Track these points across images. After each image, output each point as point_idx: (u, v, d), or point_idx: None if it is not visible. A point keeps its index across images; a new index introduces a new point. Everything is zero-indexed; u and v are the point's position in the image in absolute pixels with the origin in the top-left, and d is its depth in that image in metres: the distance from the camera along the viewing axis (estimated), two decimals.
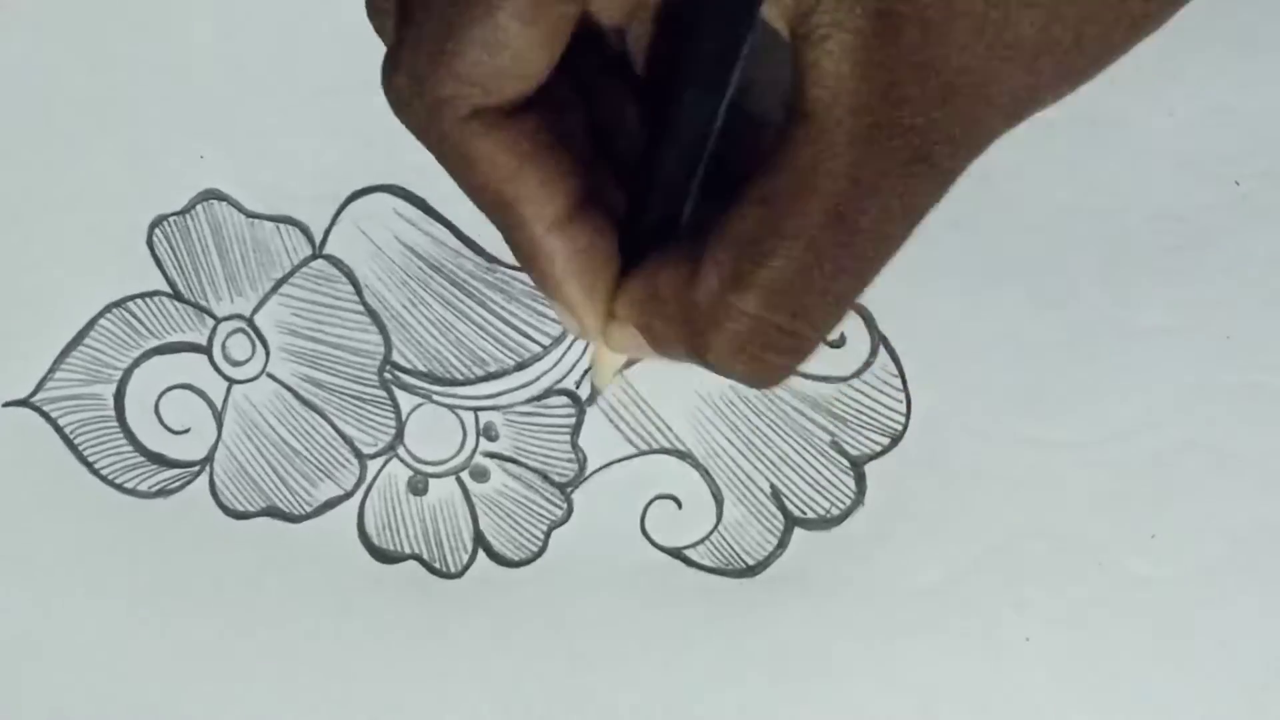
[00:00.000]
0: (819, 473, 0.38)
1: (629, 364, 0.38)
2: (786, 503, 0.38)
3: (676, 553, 0.39)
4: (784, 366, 0.27)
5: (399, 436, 0.39)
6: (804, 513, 0.38)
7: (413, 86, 0.26)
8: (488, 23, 0.25)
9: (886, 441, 0.38)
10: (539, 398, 0.39)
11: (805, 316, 0.26)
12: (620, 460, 0.39)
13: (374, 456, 0.39)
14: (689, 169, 0.27)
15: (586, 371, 0.38)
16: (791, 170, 0.24)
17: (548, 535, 0.39)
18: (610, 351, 0.30)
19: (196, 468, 0.39)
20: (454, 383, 0.39)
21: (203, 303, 0.39)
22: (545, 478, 0.39)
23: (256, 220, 0.39)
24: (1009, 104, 0.25)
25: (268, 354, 0.39)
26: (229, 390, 0.39)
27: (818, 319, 0.26)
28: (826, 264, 0.25)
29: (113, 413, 0.39)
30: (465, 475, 0.39)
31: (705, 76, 0.26)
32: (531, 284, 0.38)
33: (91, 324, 0.39)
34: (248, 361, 0.39)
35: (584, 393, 0.38)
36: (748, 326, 0.26)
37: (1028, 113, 0.25)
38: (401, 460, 0.39)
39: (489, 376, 0.39)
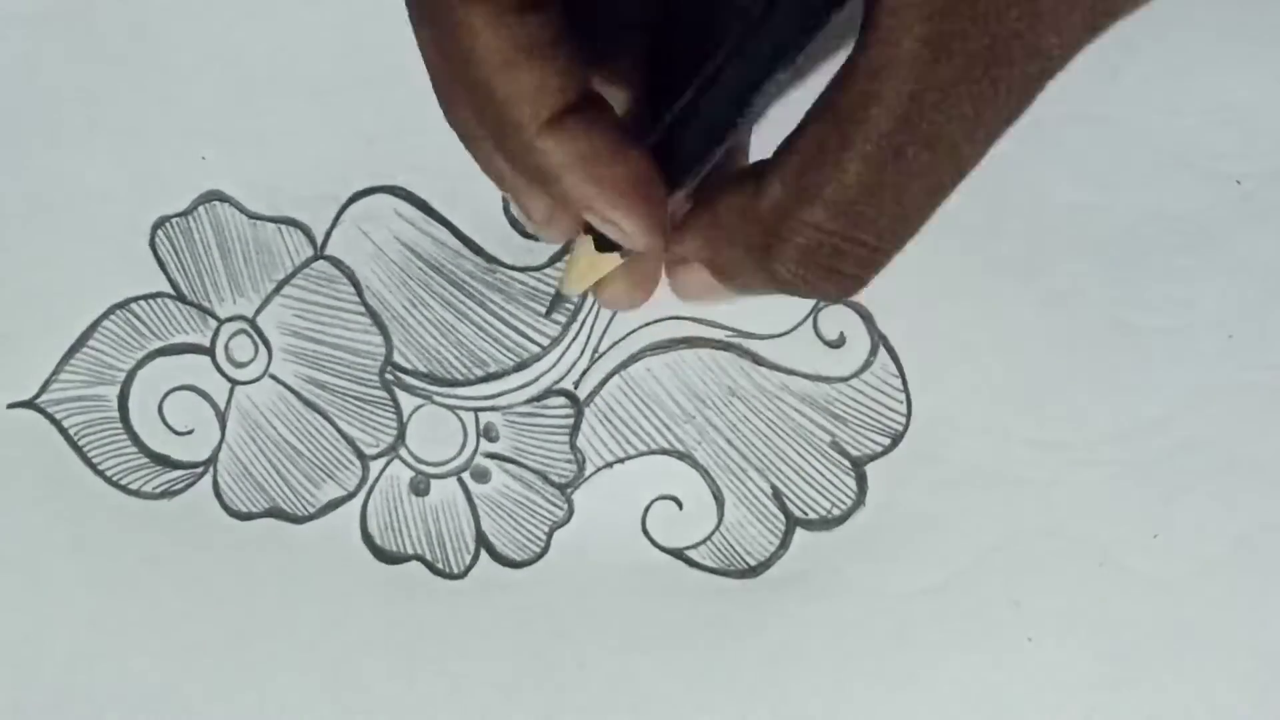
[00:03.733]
0: (820, 473, 0.38)
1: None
2: (788, 503, 0.38)
3: (678, 553, 0.39)
4: (855, 278, 0.26)
5: (401, 437, 0.39)
6: (805, 513, 0.38)
7: None
8: None
9: (887, 442, 0.38)
10: (538, 398, 0.39)
11: (875, 228, 0.25)
12: (621, 461, 0.39)
13: (376, 457, 0.39)
14: (751, 85, 0.26)
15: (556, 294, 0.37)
16: (859, 80, 0.24)
17: (549, 536, 0.39)
18: (590, 257, 0.29)
19: (200, 469, 0.39)
20: (454, 383, 0.39)
21: (205, 304, 0.39)
22: (545, 478, 0.39)
23: (258, 221, 0.39)
24: (1090, 5, 0.24)
25: (270, 355, 0.39)
26: (232, 391, 0.39)
27: (888, 230, 0.25)
28: (895, 174, 0.24)
29: (116, 414, 0.39)
30: (467, 476, 0.39)
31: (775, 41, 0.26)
32: (531, 285, 0.38)
33: (95, 326, 0.39)
34: (250, 363, 0.39)
35: (557, 302, 0.38)
36: (817, 239, 0.25)
37: (1110, 17, 0.24)
38: (403, 461, 0.39)
39: (489, 377, 0.39)
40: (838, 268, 0.26)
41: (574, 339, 0.38)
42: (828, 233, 0.25)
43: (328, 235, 0.39)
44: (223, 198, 0.39)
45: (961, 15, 0.23)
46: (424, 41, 0.27)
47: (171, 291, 0.39)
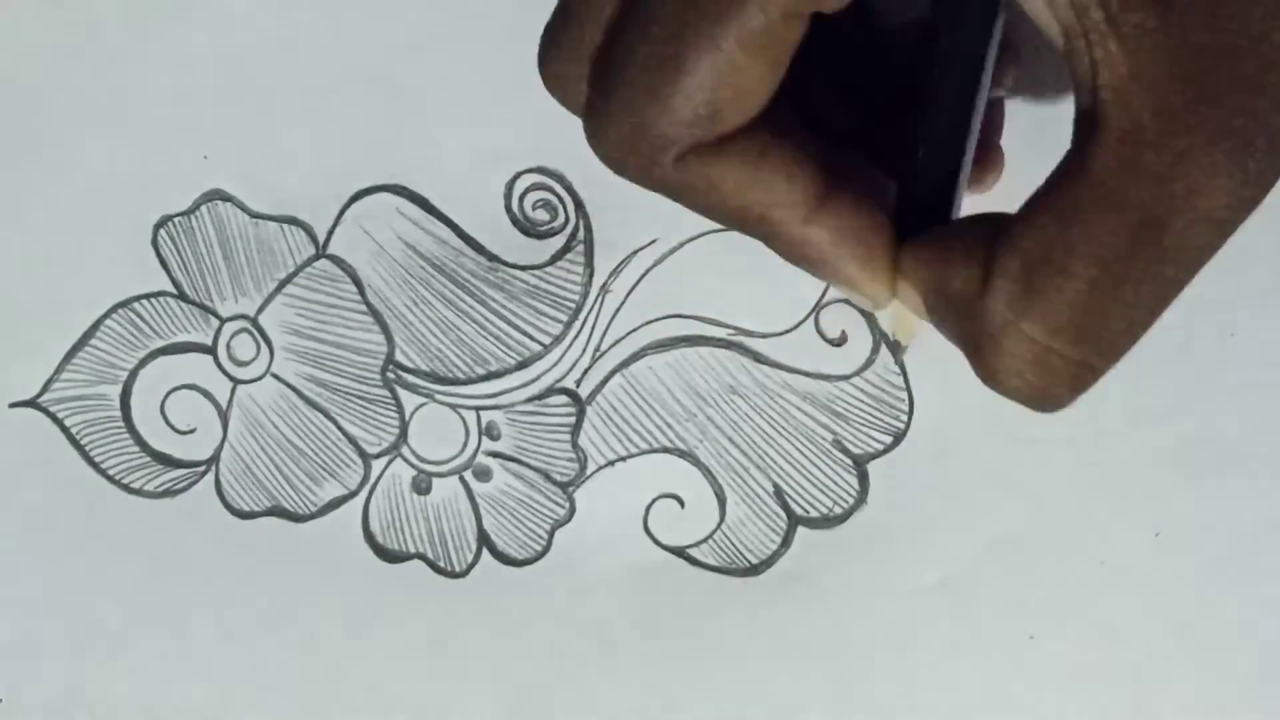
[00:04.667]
0: (822, 471, 0.38)
1: None
2: (789, 501, 0.38)
3: (680, 552, 0.39)
4: (1066, 395, 0.24)
5: (402, 436, 0.39)
6: (807, 511, 0.38)
7: (625, 142, 0.24)
8: (713, 56, 0.23)
9: (889, 440, 0.38)
10: (539, 397, 0.39)
11: (1096, 344, 0.23)
12: (622, 459, 0.39)
13: (378, 456, 0.39)
14: (959, 141, 0.26)
15: (890, 338, 0.38)
16: (1089, 181, 0.22)
17: (551, 534, 0.39)
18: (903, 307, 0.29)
19: (202, 468, 0.39)
20: (456, 382, 0.39)
21: (207, 303, 0.39)
22: (547, 477, 0.39)
23: (260, 220, 0.39)
24: None
25: (272, 354, 0.39)
26: (234, 390, 0.39)
27: (1109, 348, 0.23)
28: (1126, 287, 0.22)
29: (119, 413, 0.39)
30: (468, 474, 0.39)
31: (965, 49, 0.25)
32: (532, 284, 0.38)
33: (97, 325, 0.39)
34: (252, 361, 0.39)
35: (893, 347, 0.38)
36: (1033, 352, 0.24)
37: None
38: (405, 460, 0.39)
39: (490, 376, 0.39)
40: (1045, 382, 0.24)
41: (575, 337, 0.38)
42: (1044, 348, 0.23)
43: (329, 234, 0.39)
44: (225, 197, 0.39)
45: (1199, 105, 0.21)
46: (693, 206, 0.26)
47: (173, 290, 0.39)
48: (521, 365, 0.39)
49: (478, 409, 0.39)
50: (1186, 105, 0.21)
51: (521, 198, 0.38)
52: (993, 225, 0.24)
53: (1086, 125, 0.22)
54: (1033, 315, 0.23)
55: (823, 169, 0.26)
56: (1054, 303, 0.23)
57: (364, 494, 0.39)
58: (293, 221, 0.39)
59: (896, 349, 0.38)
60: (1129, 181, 0.22)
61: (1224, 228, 0.22)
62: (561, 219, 0.38)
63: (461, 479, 0.39)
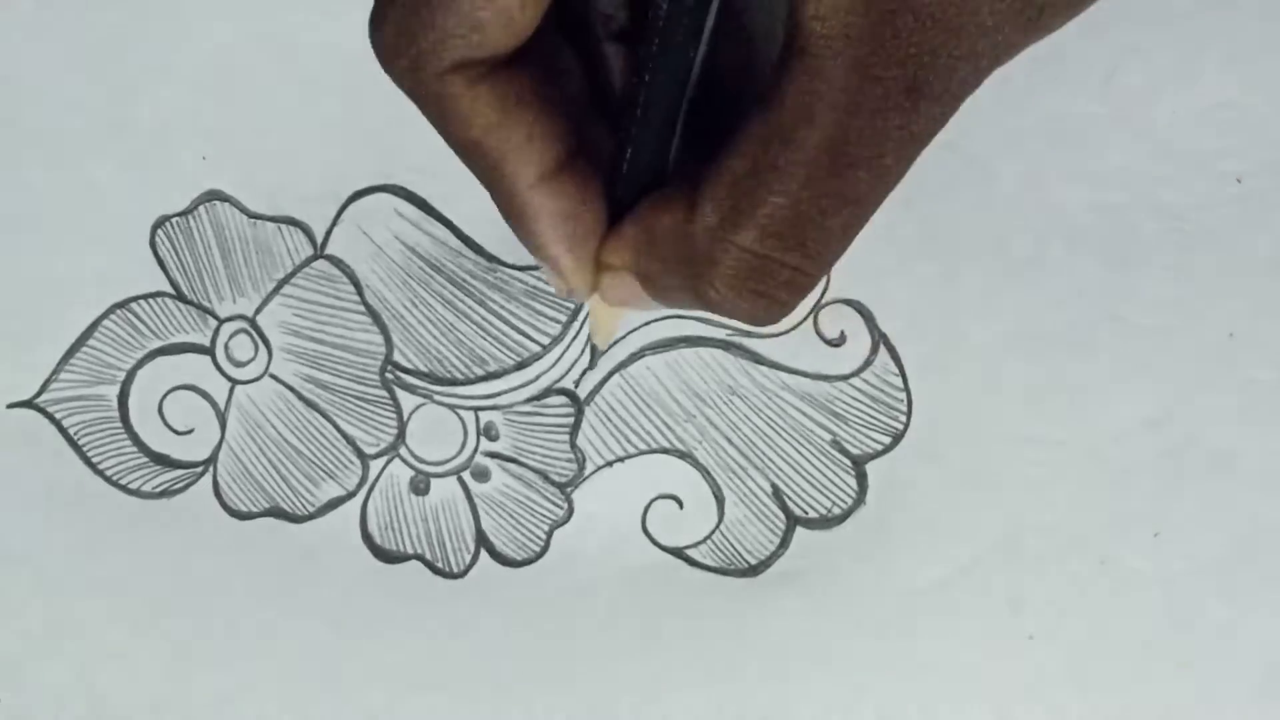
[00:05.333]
0: (820, 472, 0.38)
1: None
2: (788, 502, 0.38)
3: (678, 552, 0.39)
4: (786, 302, 0.26)
5: (401, 436, 0.39)
6: (806, 512, 0.38)
7: (398, 39, 0.26)
8: None
9: (888, 440, 0.38)
10: (538, 397, 0.39)
11: (805, 250, 0.25)
12: (621, 460, 0.39)
13: (376, 456, 0.39)
14: (671, 114, 0.27)
15: (587, 341, 0.38)
16: (787, 104, 0.24)
17: (549, 535, 0.39)
18: (606, 307, 0.30)
19: (200, 468, 0.39)
20: (454, 382, 0.39)
21: (205, 303, 0.39)
22: (545, 477, 0.39)
23: (258, 221, 0.39)
24: (996, 32, 0.24)
25: (270, 354, 0.39)
26: (232, 391, 0.39)
27: (818, 252, 0.26)
28: (824, 198, 0.25)
29: (116, 414, 0.39)
30: (467, 475, 0.39)
31: (681, 22, 0.26)
32: (531, 284, 0.38)
33: (95, 325, 0.39)
34: (250, 362, 0.39)
35: (592, 350, 0.38)
36: (748, 262, 0.25)
37: (1042, 31, 0.25)
38: (403, 460, 0.39)
39: (489, 376, 0.39)
40: (765, 291, 0.26)
41: (574, 338, 0.38)
42: (758, 256, 0.25)
43: (328, 234, 0.39)
44: (223, 197, 0.39)
45: (886, 37, 0.23)
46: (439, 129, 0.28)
47: (171, 291, 0.39)
48: (520, 366, 0.39)
49: (476, 409, 0.39)
50: (875, 37, 0.23)
51: None
52: (694, 174, 0.26)
53: (785, 56, 0.24)
54: (742, 227, 0.25)
55: (567, 144, 0.27)
56: (762, 213, 0.25)
57: (362, 494, 0.39)
58: (291, 222, 0.39)
59: (594, 352, 0.38)
60: (823, 104, 0.24)
61: (906, 149, 0.25)
62: None
63: (460, 479, 0.39)
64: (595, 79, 0.29)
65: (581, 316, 0.39)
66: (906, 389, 0.38)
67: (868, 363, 0.38)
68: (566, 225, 0.27)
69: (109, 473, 0.39)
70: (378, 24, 0.26)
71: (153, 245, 0.39)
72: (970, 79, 0.25)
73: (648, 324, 0.38)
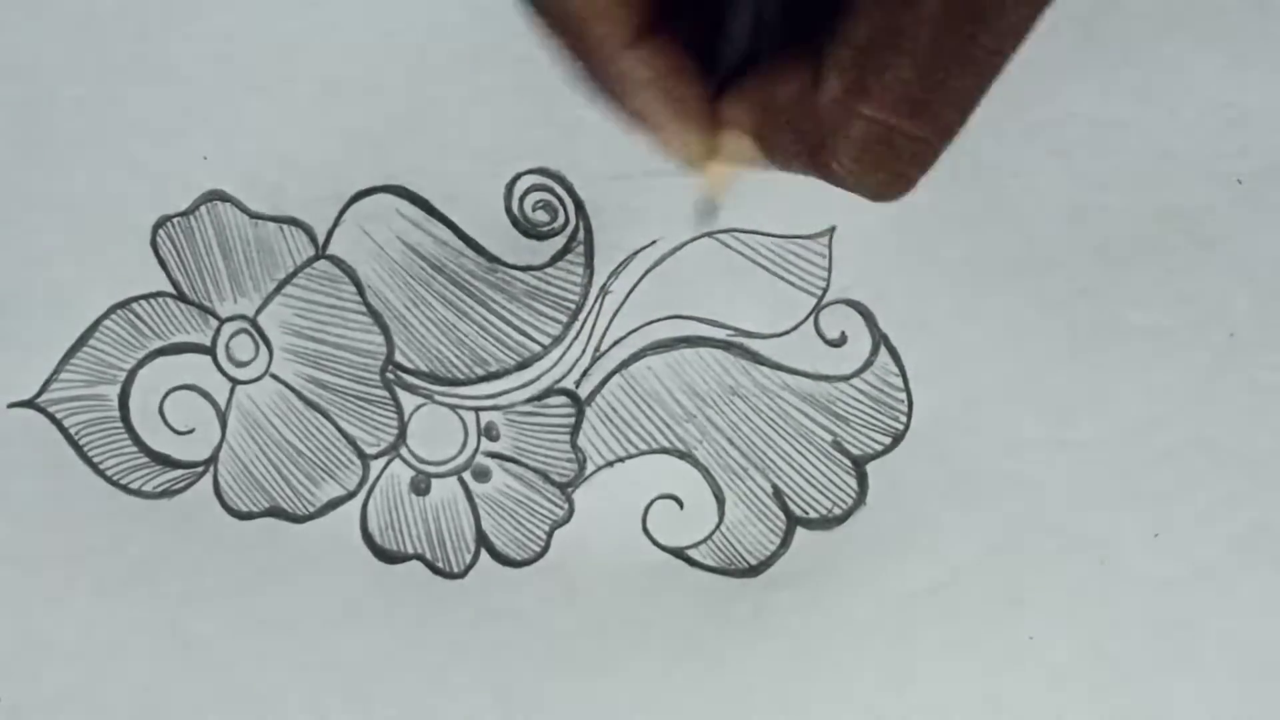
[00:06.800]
0: (821, 472, 0.38)
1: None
2: (789, 502, 0.38)
3: (678, 553, 0.39)
4: (909, 173, 0.26)
5: (401, 436, 0.39)
6: (806, 512, 0.38)
7: None
8: None
9: (888, 441, 0.38)
10: (539, 397, 0.39)
11: (930, 118, 0.25)
12: (621, 460, 0.39)
13: (377, 456, 0.39)
14: None
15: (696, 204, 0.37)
16: None
17: (550, 535, 0.39)
18: (719, 168, 0.29)
19: (200, 468, 0.39)
20: (455, 382, 0.39)
21: (206, 303, 0.39)
22: (546, 477, 0.39)
23: (260, 221, 0.39)
24: None
25: (271, 354, 0.39)
26: (232, 391, 0.39)
27: (942, 121, 0.25)
28: (950, 62, 0.24)
29: (117, 413, 0.39)
30: (467, 475, 0.39)
31: None
32: (531, 284, 0.38)
33: (96, 325, 0.39)
34: (251, 362, 0.39)
35: (698, 215, 0.37)
36: (873, 131, 0.25)
37: None
38: (404, 460, 0.39)
39: (490, 376, 0.39)
40: (890, 163, 0.26)
41: (575, 338, 0.39)
42: (885, 126, 0.25)
43: (329, 235, 0.39)
44: (224, 197, 0.39)
45: None
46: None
47: (172, 291, 0.39)
48: (521, 366, 0.39)
49: (477, 409, 0.39)
50: None
51: (522, 198, 0.38)
52: (812, 45, 0.26)
53: None
54: (871, 97, 0.25)
55: (652, 6, 0.26)
56: (890, 81, 0.24)
57: (362, 495, 0.39)
58: (292, 222, 0.39)
59: (708, 210, 0.37)
60: None
61: (1027, 7, 0.24)
62: (561, 220, 0.38)
63: (460, 479, 0.39)
64: None
65: (590, 306, 0.38)
66: (907, 389, 0.38)
67: (868, 363, 0.38)
68: (668, 86, 0.27)
69: (109, 473, 0.39)
70: None
71: (154, 245, 0.39)
72: None
73: (648, 324, 0.38)
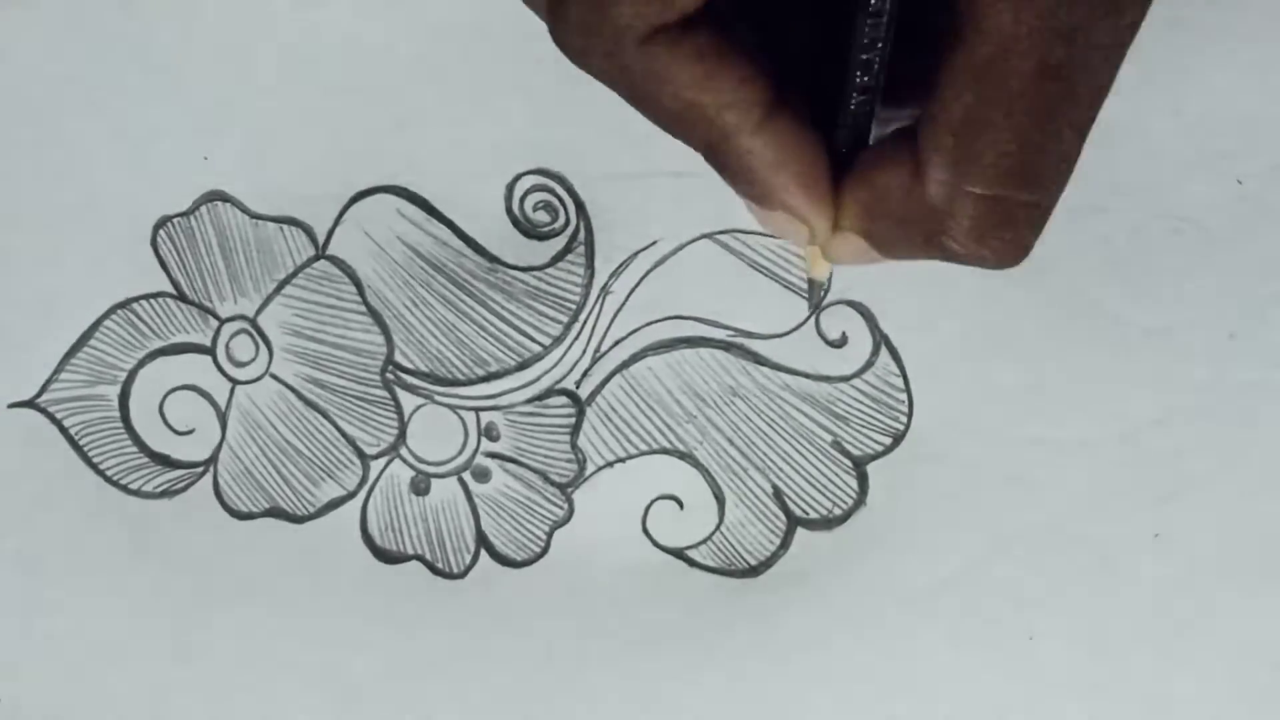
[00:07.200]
0: (821, 473, 0.38)
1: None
2: (789, 503, 0.38)
3: (679, 553, 0.39)
4: (1027, 239, 0.26)
5: (401, 437, 0.39)
6: (806, 513, 0.38)
7: (589, 21, 0.25)
8: None
9: (889, 441, 0.38)
10: (539, 398, 0.39)
11: (1039, 182, 0.25)
12: (622, 460, 0.39)
13: (377, 457, 0.39)
14: (877, 68, 0.26)
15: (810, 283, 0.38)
16: (989, 37, 0.23)
17: (550, 535, 0.39)
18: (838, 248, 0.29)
19: (200, 468, 0.39)
20: (455, 383, 0.39)
21: (207, 304, 0.39)
22: (546, 478, 0.39)
23: (260, 221, 0.39)
24: None
25: (271, 355, 0.39)
26: (233, 391, 0.39)
27: (1051, 182, 0.25)
28: (1049, 123, 0.24)
29: (117, 414, 0.39)
30: (467, 475, 0.39)
31: None
32: (531, 284, 0.38)
33: (96, 325, 0.39)
34: (251, 362, 0.39)
35: (811, 294, 0.38)
36: (985, 206, 0.25)
37: None
38: (404, 460, 0.39)
39: (490, 376, 0.39)
40: (1006, 232, 0.26)
41: (575, 338, 0.39)
42: (996, 200, 0.25)
43: (329, 235, 0.39)
44: (224, 197, 0.39)
45: None
46: (636, 101, 0.27)
47: (173, 291, 0.39)
48: (521, 366, 0.39)
49: (477, 410, 0.39)
50: None
51: (522, 199, 0.38)
52: (907, 131, 0.26)
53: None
54: (974, 174, 0.25)
55: (773, 82, 0.26)
56: (991, 156, 0.24)
57: (362, 495, 0.39)
58: (292, 222, 0.39)
59: (815, 290, 0.38)
60: (1029, 28, 0.23)
61: (1114, 56, 0.24)
62: (562, 220, 0.38)
63: (460, 480, 0.39)
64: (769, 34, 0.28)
65: (590, 306, 0.39)
66: (907, 390, 0.38)
67: (869, 364, 0.38)
68: (796, 165, 0.26)
69: (109, 473, 0.39)
70: (560, 14, 0.25)
71: (154, 245, 0.39)
72: None
73: (649, 324, 0.38)
